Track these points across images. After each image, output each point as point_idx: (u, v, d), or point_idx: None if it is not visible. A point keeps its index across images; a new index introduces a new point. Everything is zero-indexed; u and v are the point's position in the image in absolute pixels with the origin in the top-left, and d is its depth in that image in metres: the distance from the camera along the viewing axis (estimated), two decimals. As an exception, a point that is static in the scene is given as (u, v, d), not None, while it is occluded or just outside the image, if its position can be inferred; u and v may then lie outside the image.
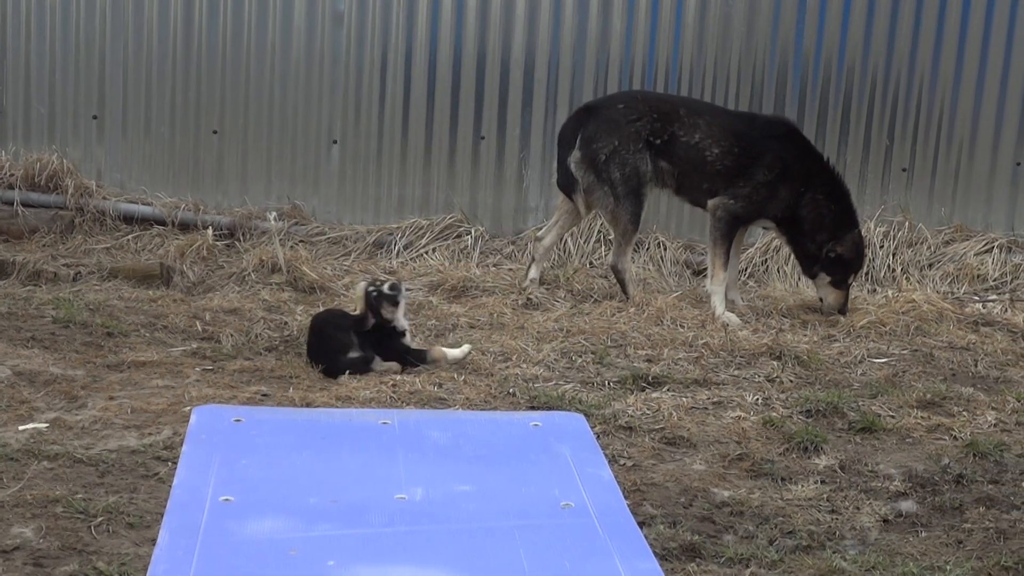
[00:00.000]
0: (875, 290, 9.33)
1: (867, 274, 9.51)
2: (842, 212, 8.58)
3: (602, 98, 9.21)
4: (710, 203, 8.58)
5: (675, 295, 8.69)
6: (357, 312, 7.08)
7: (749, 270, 9.53)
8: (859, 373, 7.45)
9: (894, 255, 9.62)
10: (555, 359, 7.32)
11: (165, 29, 10.00)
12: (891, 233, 9.74)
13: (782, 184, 8.53)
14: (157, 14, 9.98)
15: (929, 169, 10.04)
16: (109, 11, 9.99)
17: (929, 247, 9.71)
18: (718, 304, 8.39)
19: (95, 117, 10.14)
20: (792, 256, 9.20)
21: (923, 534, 5.31)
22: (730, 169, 8.54)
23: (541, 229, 9.20)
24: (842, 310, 8.56)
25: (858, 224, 8.67)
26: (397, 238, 9.72)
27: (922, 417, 6.65)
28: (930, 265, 9.59)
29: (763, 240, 9.63)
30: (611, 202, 8.59)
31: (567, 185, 8.77)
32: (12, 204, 9.61)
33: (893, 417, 6.65)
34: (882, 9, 9.84)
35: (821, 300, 8.68)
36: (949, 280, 9.45)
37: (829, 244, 8.50)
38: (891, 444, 6.32)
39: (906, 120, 9.98)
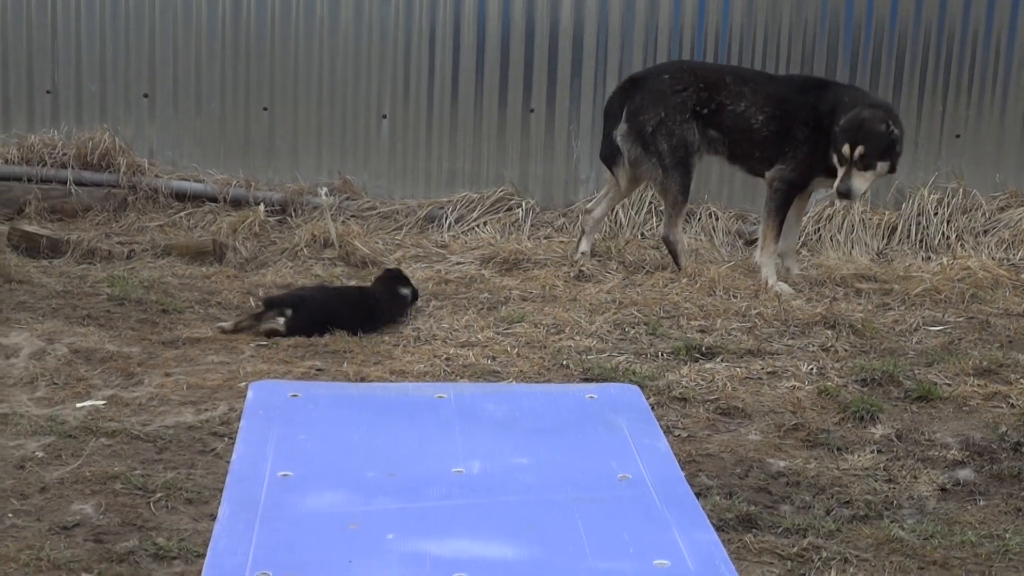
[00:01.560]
0: (930, 257, 9.27)
1: (921, 241, 9.46)
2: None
3: (648, 69, 9.17)
4: (768, 174, 8.51)
5: (728, 265, 8.66)
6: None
7: (802, 239, 9.47)
8: (914, 341, 7.41)
9: (948, 222, 9.55)
10: (608, 331, 7.32)
11: (214, 5, 10.02)
12: (945, 200, 9.67)
13: (821, 135, 8.38)
14: (206, -9, 10.02)
15: (983, 134, 9.96)
16: (158, -11, 10.03)
17: (984, 213, 9.63)
18: (770, 275, 8.35)
19: (146, 95, 10.18)
20: (844, 224, 9.16)
21: (981, 502, 5.28)
22: (776, 134, 8.47)
23: (591, 202, 9.18)
24: (843, 193, 8.20)
25: (876, 107, 8.36)
26: (448, 212, 9.72)
27: (979, 385, 6.61)
28: (985, 232, 9.52)
29: (816, 210, 9.57)
30: (660, 174, 8.57)
31: (609, 157, 8.76)
32: (65, 183, 9.67)
33: (949, 385, 6.62)
34: (933, -26, 9.78)
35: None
36: (1004, 246, 9.37)
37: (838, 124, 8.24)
38: (948, 412, 6.28)
39: (959, 85, 9.91)
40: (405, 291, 7.59)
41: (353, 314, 7.22)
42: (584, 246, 8.84)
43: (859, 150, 8.05)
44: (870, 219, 9.57)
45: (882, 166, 8.15)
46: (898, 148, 8.21)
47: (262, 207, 9.45)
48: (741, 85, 8.59)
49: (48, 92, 10.19)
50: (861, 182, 8.12)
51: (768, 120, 8.47)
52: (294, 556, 2.69)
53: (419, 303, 7.70)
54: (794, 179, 8.45)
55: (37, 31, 10.12)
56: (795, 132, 8.42)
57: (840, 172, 8.15)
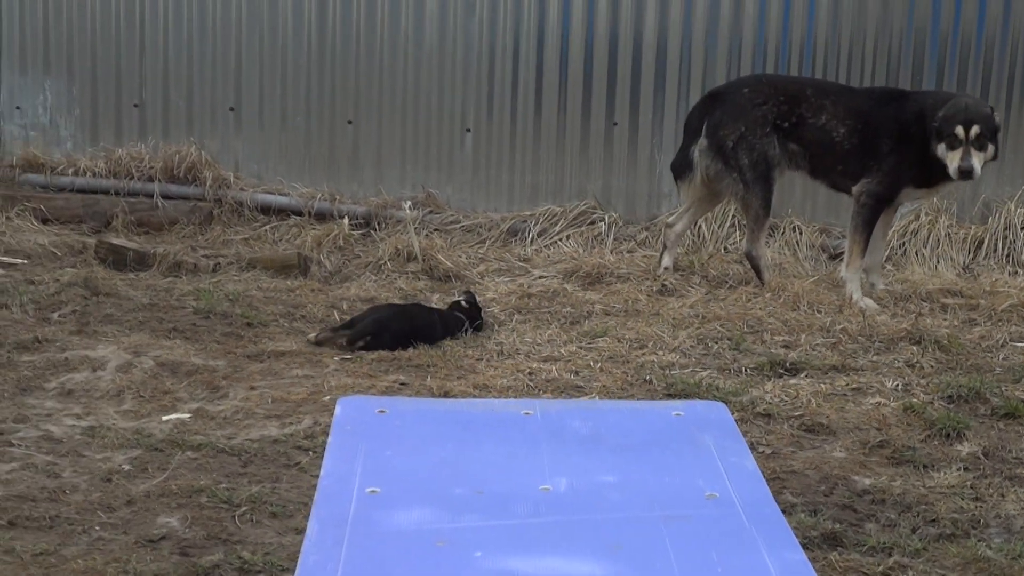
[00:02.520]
0: (1016, 272, 9.17)
1: (1008, 256, 9.37)
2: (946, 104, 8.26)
3: (727, 84, 9.13)
4: (855, 189, 8.44)
5: (811, 280, 8.62)
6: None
7: (887, 253, 9.41)
8: (1001, 357, 7.33)
9: (1036, 236, 9.46)
10: (691, 345, 7.30)
11: (300, 20, 10.10)
12: (1033, 214, 9.58)
13: (907, 145, 8.34)
14: (292, 5, 10.09)
15: (1071, 148, 9.87)
16: (244, 4, 10.12)
17: (1072, 227, 9.53)
18: (854, 291, 8.29)
19: (232, 109, 10.28)
20: (929, 239, 9.09)
21: (1071, 522, 5.22)
22: (858, 148, 8.40)
23: (672, 216, 9.16)
24: (966, 171, 8.04)
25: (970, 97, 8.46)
26: (531, 225, 9.74)
27: (1068, 402, 6.55)
28: (1074, 246, 9.42)
29: (901, 223, 9.50)
30: (741, 188, 8.54)
31: (679, 169, 8.78)
32: (152, 196, 9.79)
33: (1037, 402, 6.55)
34: (1021, -14, 9.69)
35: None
36: (1093, 261, 9.28)
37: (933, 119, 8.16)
38: (1036, 430, 6.22)
39: (1047, 98, 9.82)
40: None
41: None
42: (666, 261, 8.82)
43: (975, 129, 7.98)
44: (956, 233, 9.49)
45: (991, 149, 8.10)
46: (1000, 135, 8.21)
47: (346, 220, 9.51)
48: (822, 98, 8.54)
49: (136, 106, 10.32)
50: (979, 160, 8.04)
51: (850, 133, 8.42)
52: (383, 573, 2.70)
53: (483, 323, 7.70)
54: (882, 193, 8.38)
55: (125, 46, 10.25)
56: (879, 145, 8.36)
57: (957, 153, 8.02)
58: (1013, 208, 9.55)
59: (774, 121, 8.50)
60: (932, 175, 8.23)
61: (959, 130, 7.99)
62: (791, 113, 8.50)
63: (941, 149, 8.08)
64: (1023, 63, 9.76)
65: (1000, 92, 9.80)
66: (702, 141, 8.62)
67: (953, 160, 8.03)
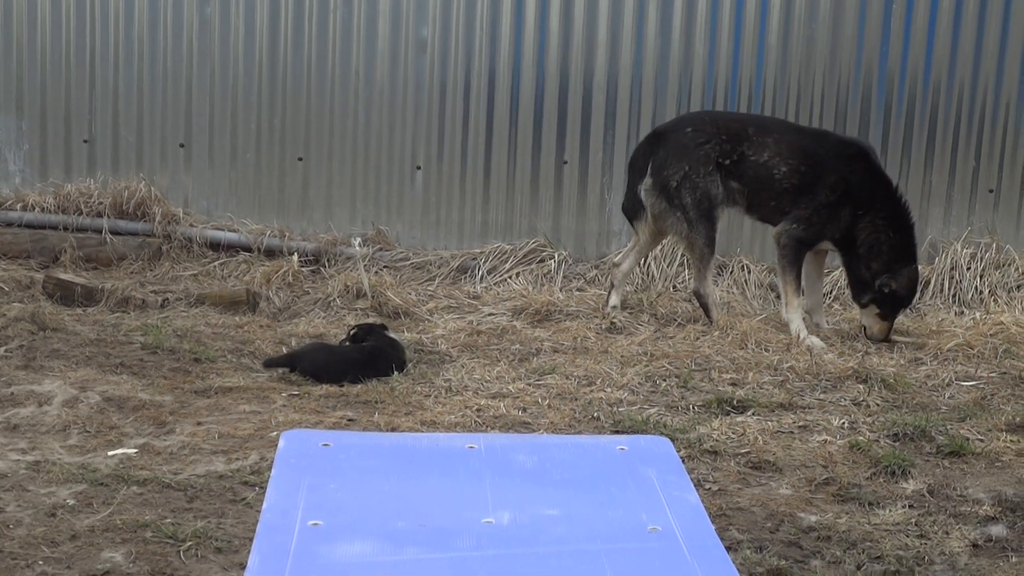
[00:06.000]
0: (962, 312, 9.24)
1: (954, 296, 9.44)
2: (901, 244, 8.43)
3: (671, 122, 9.12)
4: (774, 232, 8.54)
5: (759, 318, 8.66)
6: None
7: (834, 293, 9.47)
8: (947, 396, 7.38)
9: (981, 277, 9.52)
10: (639, 383, 7.31)
11: (250, 58, 10.09)
12: (978, 255, 9.65)
13: (843, 206, 8.42)
14: (243, 43, 10.08)
15: (1016, 190, 9.94)
16: (196, 41, 10.10)
17: (1017, 268, 9.60)
18: (800, 329, 8.33)
19: (182, 145, 10.25)
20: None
21: (1013, 559, 5.25)
22: (796, 188, 8.47)
23: (618, 255, 9.17)
24: (885, 339, 8.48)
25: (916, 260, 8.51)
26: (481, 263, 9.75)
27: (1011, 441, 6.58)
28: (1018, 287, 9.48)
29: (848, 263, 9.56)
30: (684, 228, 8.55)
31: (632, 210, 8.79)
32: (100, 232, 9.73)
33: (982, 441, 6.58)
34: (967, 29, 9.77)
35: (864, 328, 8.56)
36: (1038, 302, 9.35)
37: (884, 277, 8.37)
38: (980, 468, 6.25)
39: (992, 140, 9.90)
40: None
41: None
42: (614, 299, 8.83)
43: (906, 310, 8.70)
44: (903, 273, 9.55)
45: None
46: None
47: (296, 257, 9.49)
48: (765, 135, 8.58)
49: (85, 142, 10.28)
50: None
51: (792, 172, 8.47)
52: (324, 605, 2.69)
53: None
54: (803, 237, 8.47)
55: (75, 82, 10.21)
56: (817, 192, 8.41)
57: (884, 326, 8.51)
58: (959, 249, 9.63)
59: (717, 159, 8.53)
60: (848, 245, 8.56)
61: (901, 313, 8.63)
62: (733, 151, 8.53)
63: (877, 300, 8.50)
64: (969, 106, 9.84)
65: (946, 134, 9.88)
66: (647, 180, 8.64)
67: (876, 325, 8.54)
